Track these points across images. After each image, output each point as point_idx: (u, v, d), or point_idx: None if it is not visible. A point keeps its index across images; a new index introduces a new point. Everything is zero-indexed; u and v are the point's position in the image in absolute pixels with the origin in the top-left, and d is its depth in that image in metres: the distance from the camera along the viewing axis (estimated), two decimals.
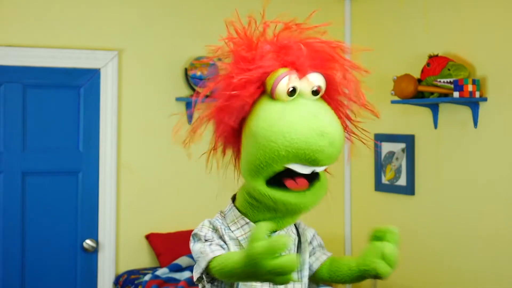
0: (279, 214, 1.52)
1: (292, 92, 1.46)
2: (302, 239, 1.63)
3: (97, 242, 4.10)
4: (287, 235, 1.32)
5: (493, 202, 3.60)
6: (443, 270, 3.90)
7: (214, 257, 1.47)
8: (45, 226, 4.00)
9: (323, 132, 1.41)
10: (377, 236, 1.58)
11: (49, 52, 3.98)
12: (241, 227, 1.56)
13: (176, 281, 3.79)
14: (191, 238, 1.58)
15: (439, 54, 3.77)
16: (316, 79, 1.48)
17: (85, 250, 4.08)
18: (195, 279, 1.55)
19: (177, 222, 4.28)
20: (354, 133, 1.63)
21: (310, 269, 1.63)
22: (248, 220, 1.55)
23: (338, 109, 1.57)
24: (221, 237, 1.55)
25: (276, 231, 1.56)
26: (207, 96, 1.58)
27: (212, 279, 1.53)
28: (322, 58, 1.50)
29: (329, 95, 1.54)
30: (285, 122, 1.43)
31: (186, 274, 3.84)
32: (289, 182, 1.46)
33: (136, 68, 4.21)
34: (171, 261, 4.00)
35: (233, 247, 1.54)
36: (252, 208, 1.55)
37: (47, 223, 4.01)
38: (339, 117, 1.57)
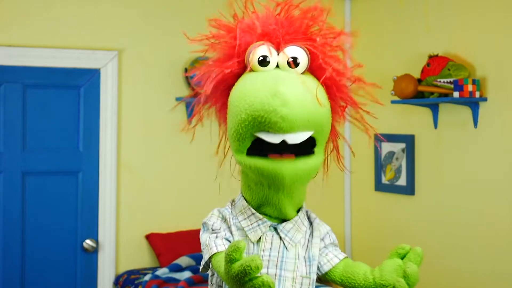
0: (270, 191, 1.49)
1: (263, 62, 1.45)
2: (315, 234, 1.60)
3: (97, 242, 4.10)
4: (258, 257, 1.33)
5: (493, 202, 3.60)
6: (443, 270, 3.90)
7: (216, 253, 1.49)
8: (45, 226, 4.00)
9: (276, 92, 1.36)
10: (400, 254, 1.55)
11: (49, 52, 3.98)
12: (247, 217, 1.55)
13: (176, 281, 3.79)
14: (201, 226, 1.60)
15: (439, 54, 3.77)
16: (292, 51, 1.46)
17: (85, 250, 4.08)
18: (200, 268, 1.57)
19: (177, 222, 4.28)
20: (356, 119, 1.58)
21: (319, 270, 1.60)
22: (254, 211, 1.54)
23: (336, 89, 1.51)
24: (229, 227, 1.55)
25: (283, 220, 1.54)
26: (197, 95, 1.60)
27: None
28: (300, 31, 1.48)
29: (316, 71, 1.50)
30: (248, 86, 1.43)
31: (186, 274, 3.84)
32: (272, 155, 1.43)
33: (136, 68, 4.21)
34: (171, 261, 4.00)
35: (239, 237, 1.54)
36: (248, 187, 1.55)
37: (47, 223, 4.01)
38: (336, 97, 1.52)
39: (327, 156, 1.61)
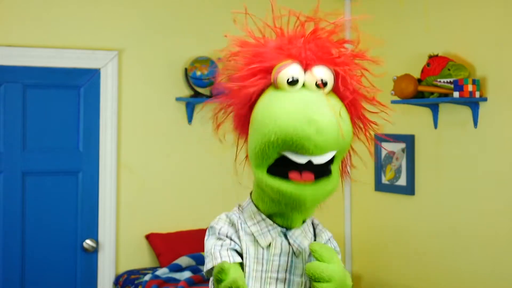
0: (286, 208, 1.52)
1: (292, 82, 1.47)
2: (317, 240, 1.62)
3: (97, 242, 4.10)
4: (241, 278, 1.39)
5: (493, 202, 3.60)
6: (443, 270, 3.90)
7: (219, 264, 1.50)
8: (45, 226, 4.00)
9: (310, 119, 1.40)
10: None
11: (49, 52, 3.98)
12: (257, 222, 1.56)
13: (176, 281, 3.79)
14: (207, 230, 1.59)
15: (439, 54, 3.77)
16: (320, 72, 1.49)
17: (85, 250, 4.08)
18: (204, 272, 1.58)
19: (177, 222, 4.28)
20: (369, 134, 1.62)
21: None
22: (264, 217, 1.55)
23: (353, 107, 1.56)
24: (236, 232, 1.55)
25: (290, 228, 1.56)
26: (210, 97, 1.61)
27: None
28: (328, 52, 1.50)
29: (341, 91, 1.53)
30: (278, 107, 1.45)
31: (186, 274, 3.84)
32: (293, 174, 1.46)
33: (136, 68, 4.21)
34: (171, 261, 4.00)
35: (248, 243, 1.54)
36: (262, 200, 1.56)
37: (47, 223, 4.01)
38: (353, 115, 1.56)
39: (342, 173, 1.66)
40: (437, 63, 3.71)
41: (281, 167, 1.46)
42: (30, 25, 3.97)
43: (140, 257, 4.21)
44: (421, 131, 4.06)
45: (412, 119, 4.12)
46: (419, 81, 3.85)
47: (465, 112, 3.74)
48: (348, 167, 1.68)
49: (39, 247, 3.99)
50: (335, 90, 1.53)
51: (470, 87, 3.53)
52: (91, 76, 4.11)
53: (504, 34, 3.53)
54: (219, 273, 1.36)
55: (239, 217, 1.58)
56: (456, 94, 3.56)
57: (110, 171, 4.12)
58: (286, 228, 1.56)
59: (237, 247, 1.54)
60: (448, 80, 3.63)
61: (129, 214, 4.19)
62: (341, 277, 1.48)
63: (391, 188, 4.27)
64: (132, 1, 4.20)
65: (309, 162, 1.45)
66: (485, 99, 3.59)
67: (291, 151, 1.43)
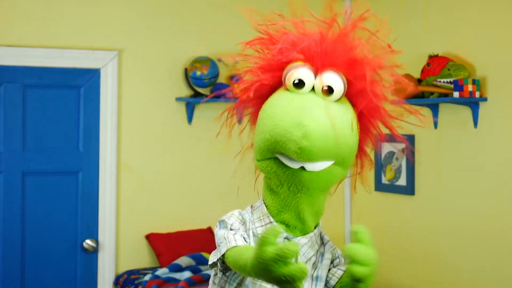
0: (291, 195, 1.48)
1: (299, 85, 1.45)
2: (326, 256, 1.59)
3: (97, 242, 4.10)
4: (296, 243, 1.30)
5: (493, 202, 3.60)
6: (443, 270, 3.90)
7: (235, 246, 1.46)
8: (45, 226, 4.00)
9: (300, 123, 1.38)
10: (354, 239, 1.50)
11: (49, 52, 3.98)
12: (265, 225, 1.54)
13: (176, 281, 3.79)
14: (217, 223, 1.56)
15: (439, 54, 3.77)
16: (329, 78, 1.45)
17: (85, 250, 4.08)
18: (210, 262, 1.54)
19: (177, 222, 4.28)
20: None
21: (327, 286, 1.59)
22: (272, 220, 1.53)
23: (372, 115, 1.52)
24: (246, 231, 1.53)
25: (295, 236, 1.53)
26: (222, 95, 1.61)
27: (225, 269, 1.53)
28: (343, 57, 1.47)
29: (354, 100, 1.50)
30: (278, 107, 1.44)
31: (186, 274, 3.84)
32: None
33: (136, 68, 4.21)
34: (171, 261, 4.00)
35: (254, 244, 1.51)
36: (270, 192, 1.53)
37: (47, 223, 4.01)
38: (365, 128, 1.53)
39: (353, 175, 1.63)
40: (437, 63, 3.71)
41: None
42: (30, 25, 3.97)
43: (140, 257, 4.21)
44: (421, 131, 4.06)
45: (412, 119, 4.11)
46: (419, 81, 3.85)
47: (465, 112, 3.74)
48: (365, 180, 1.66)
49: (39, 247, 3.99)
50: (351, 98, 1.50)
51: (470, 87, 3.53)
52: (91, 76, 4.11)
53: (504, 34, 3.53)
54: (272, 234, 1.24)
55: (251, 217, 1.57)
56: (456, 94, 3.56)
57: (110, 171, 4.12)
58: (294, 236, 1.52)
59: (248, 241, 1.51)
60: (448, 80, 3.63)
61: (129, 214, 4.19)
62: (376, 265, 1.45)
63: (391, 188, 4.27)
64: (132, 1, 4.20)
65: (302, 168, 1.43)
66: (485, 99, 3.59)
67: (284, 155, 1.42)
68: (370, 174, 4.48)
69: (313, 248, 1.55)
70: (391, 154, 4.26)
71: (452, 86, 3.61)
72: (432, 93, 3.77)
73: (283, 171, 1.45)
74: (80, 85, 4.10)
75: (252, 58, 1.55)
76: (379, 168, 4.36)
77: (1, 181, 3.93)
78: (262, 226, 1.54)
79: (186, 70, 4.23)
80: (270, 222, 1.53)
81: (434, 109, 3.90)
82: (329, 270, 1.59)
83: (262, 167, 1.50)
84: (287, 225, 1.52)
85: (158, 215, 4.25)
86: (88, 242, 4.08)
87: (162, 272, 3.87)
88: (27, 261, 3.97)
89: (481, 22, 3.65)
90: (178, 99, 4.24)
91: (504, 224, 3.54)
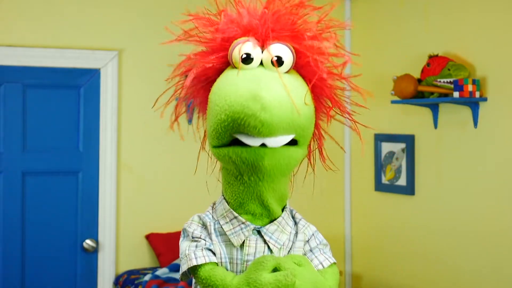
0: (251, 183, 1.43)
1: (246, 60, 1.40)
2: (299, 236, 1.52)
3: (97, 242, 4.10)
4: (293, 276, 1.31)
5: (493, 202, 3.60)
6: (443, 270, 3.90)
7: (203, 264, 1.43)
8: (45, 226, 4.01)
9: (256, 95, 1.31)
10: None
11: (49, 52, 3.98)
12: (229, 221, 1.48)
13: (176, 281, 3.79)
14: (181, 232, 1.53)
15: (439, 54, 3.77)
16: (276, 49, 1.39)
17: (85, 250, 4.08)
18: (179, 276, 1.51)
19: (177, 222, 4.28)
20: (352, 120, 1.51)
21: None
22: (236, 214, 1.47)
23: (320, 87, 1.46)
24: (209, 235, 1.49)
25: (270, 221, 1.48)
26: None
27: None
28: (287, 27, 1.41)
29: (302, 69, 1.45)
30: (228, 85, 1.39)
31: None
32: None
33: (136, 68, 4.21)
34: (171, 261, 4.00)
35: (222, 243, 1.48)
36: (229, 185, 1.50)
37: (47, 223, 4.01)
38: (322, 95, 1.46)
39: (311, 153, 1.55)
40: (437, 63, 3.71)
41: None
42: (30, 25, 3.97)
43: (140, 257, 4.21)
44: (421, 131, 4.06)
45: (412, 119, 4.12)
46: (419, 81, 3.85)
47: (465, 112, 3.74)
48: (323, 158, 1.56)
49: (39, 247, 3.99)
50: (299, 69, 1.44)
51: (470, 87, 3.53)
52: (91, 76, 4.11)
53: (504, 34, 3.53)
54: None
55: (212, 217, 1.52)
56: (456, 94, 3.56)
57: (110, 171, 4.12)
58: (262, 224, 1.48)
59: (211, 247, 1.47)
60: (448, 80, 3.64)
61: (129, 214, 4.19)
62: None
63: (391, 188, 4.27)
64: (132, 1, 4.20)
65: (263, 145, 1.35)
66: (485, 99, 3.59)
67: (243, 133, 1.35)
68: (370, 173, 4.49)
69: (284, 232, 1.49)
70: (391, 154, 4.26)
71: (452, 86, 3.61)
72: (432, 93, 3.77)
73: (242, 160, 1.38)
74: (80, 85, 4.10)
75: (194, 41, 1.49)
76: (379, 168, 4.36)
77: (1, 181, 3.93)
78: (227, 222, 1.48)
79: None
80: (235, 217, 1.47)
81: (434, 109, 3.90)
82: (308, 257, 1.51)
83: (219, 155, 1.44)
84: (253, 215, 1.47)
85: (158, 215, 4.25)
86: (88, 242, 4.08)
87: (162, 272, 3.87)
88: (27, 261, 3.98)
89: (481, 22, 3.65)
90: (178, 99, 4.23)
91: (504, 224, 3.54)
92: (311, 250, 1.52)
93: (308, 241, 1.53)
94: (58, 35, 4.03)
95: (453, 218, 3.84)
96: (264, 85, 1.33)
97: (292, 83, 1.39)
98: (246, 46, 1.41)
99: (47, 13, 4.00)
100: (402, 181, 4.18)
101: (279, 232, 1.48)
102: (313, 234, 1.54)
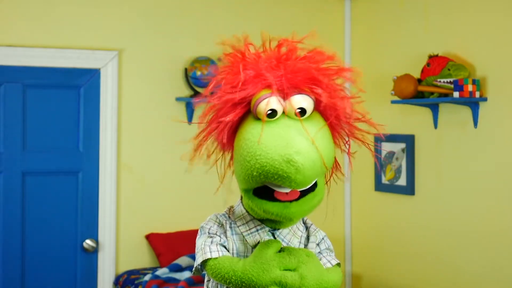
0: (274, 220, 1.57)
1: (271, 115, 1.48)
2: (311, 239, 1.66)
3: (97, 242, 4.10)
4: (299, 278, 1.43)
5: (493, 202, 3.60)
6: (443, 270, 3.90)
7: (211, 258, 1.54)
8: (45, 226, 4.01)
9: (290, 159, 1.41)
10: None
11: (49, 52, 3.98)
12: (246, 223, 1.61)
13: (176, 281, 3.79)
14: (198, 230, 1.65)
15: (439, 54, 3.77)
16: (299, 101, 1.48)
17: (85, 250, 4.09)
18: (193, 270, 1.63)
19: (177, 222, 4.28)
20: (361, 140, 1.64)
21: None
22: (253, 217, 1.60)
23: (336, 127, 1.58)
24: (225, 233, 1.60)
25: (278, 228, 1.60)
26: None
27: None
28: (305, 78, 1.50)
29: (322, 114, 1.55)
30: (257, 144, 1.46)
31: (186, 274, 3.84)
32: (278, 194, 1.50)
33: (136, 68, 4.21)
34: (171, 261, 4.00)
35: (237, 242, 1.60)
36: (251, 210, 1.60)
37: (47, 223, 4.01)
38: (336, 135, 1.58)
39: (328, 181, 1.67)
40: (437, 63, 3.71)
41: (266, 188, 1.50)
42: (30, 25, 3.97)
43: (140, 257, 4.21)
44: (421, 131, 4.06)
45: (412, 119, 4.12)
46: (419, 81, 3.85)
47: (465, 112, 3.74)
48: (338, 169, 1.71)
49: (39, 247, 3.99)
50: (319, 111, 1.54)
51: (470, 87, 3.53)
52: (91, 76, 4.11)
53: (504, 34, 3.53)
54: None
55: (229, 217, 1.64)
56: (456, 94, 3.56)
57: (110, 171, 4.12)
58: (275, 227, 1.60)
59: (226, 244, 1.59)
60: (448, 80, 3.63)
61: (129, 214, 4.19)
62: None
63: (391, 188, 4.27)
64: (132, 1, 4.20)
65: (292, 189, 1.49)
66: (485, 99, 3.59)
67: (274, 183, 1.47)
68: (370, 173, 4.49)
69: (296, 236, 1.63)
70: (391, 154, 4.26)
71: (452, 86, 3.61)
72: (432, 93, 3.77)
73: (271, 212, 1.51)
74: (80, 85, 4.10)
75: (217, 97, 1.56)
76: (379, 168, 4.36)
77: (1, 181, 3.93)
78: (243, 224, 1.61)
79: (186, 70, 4.24)
80: (251, 220, 1.61)
81: (434, 109, 3.90)
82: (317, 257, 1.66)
83: (248, 200, 1.55)
84: (270, 221, 1.59)
85: (158, 215, 4.25)
86: (88, 242, 4.08)
87: (162, 272, 3.87)
88: (27, 261, 3.98)
89: (481, 22, 3.65)
90: (178, 99, 4.24)
91: (504, 224, 3.54)
92: (320, 252, 1.67)
93: (319, 244, 1.68)
94: (58, 35, 4.03)
95: (453, 218, 3.84)
96: (295, 147, 1.43)
97: (318, 133, 1.49)
98: (272, 102, 1.48)
99: (47, 13, 4.00)
100: (402, 181, 4.18)
101: (291, 236, 1.62)
102: (323, 238, 1.69)
